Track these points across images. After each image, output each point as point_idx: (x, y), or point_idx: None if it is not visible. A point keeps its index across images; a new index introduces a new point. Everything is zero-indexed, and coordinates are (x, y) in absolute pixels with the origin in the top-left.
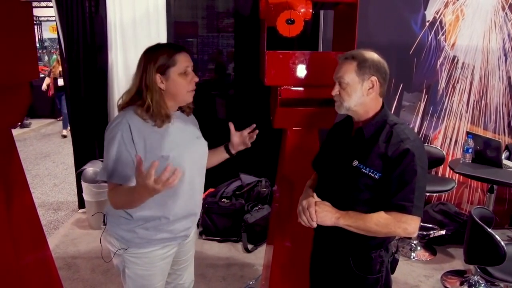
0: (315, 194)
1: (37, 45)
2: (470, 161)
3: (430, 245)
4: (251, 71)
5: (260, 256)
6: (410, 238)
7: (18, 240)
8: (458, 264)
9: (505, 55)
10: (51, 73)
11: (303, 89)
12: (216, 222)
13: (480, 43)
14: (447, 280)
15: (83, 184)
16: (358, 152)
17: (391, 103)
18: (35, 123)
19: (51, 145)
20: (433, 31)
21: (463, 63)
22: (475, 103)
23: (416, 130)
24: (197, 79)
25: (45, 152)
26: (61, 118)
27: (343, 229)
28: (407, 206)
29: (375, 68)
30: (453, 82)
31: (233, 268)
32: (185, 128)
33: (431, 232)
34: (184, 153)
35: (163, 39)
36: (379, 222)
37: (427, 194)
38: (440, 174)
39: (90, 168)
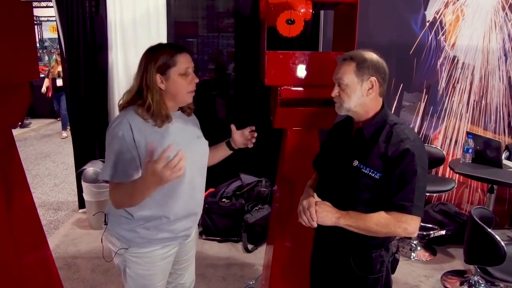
0: (315, 194)
1: (37, 45)
2: (470, 161)
3: (430, 245)
4: (251, 71)
5: (260, 256)
6: (410, 238)
7: (18, 240)
8: (458, 264)
9: (505, 55)
10: (50, 73)
11: (303, 89)
12: (216, 222)
13: (480, 43)
14: (447, 280)
15: (83, 184)
16: (358, 152)
17: (391, 103)
18: (35, 123)
19: (51, 145)
20: (433, 31)
21: (463, 63)
22: (475, 103)
23: (416, 130)
24: (197, 80)
25: (45, 152)
26: (60, 118)
27: (343, 229)
28: (407, 206)
29: (374, 69)
30: (453, 82)
31: (233, 268)
32: (186, 128)
33: (431, 232)
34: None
35: (163, 39)
36: (379, 222)
37: (427, 194)
38: (440, 174)
39: (90, 168)
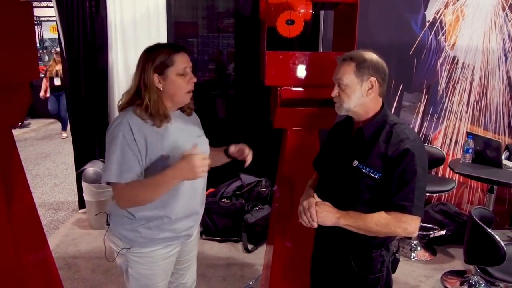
0: (315, 195)
1: (38, 45)
2: (470, 162)
3: (430, 245)
4: (252, 71)
5: (260, 256)
6: (410, 238)
7: (18, 240)
8: (458, 264)
9: (505, 55)
10: (48, 72)
11: (303, 89)
12: (216, 222)
13: (480, 43)
14: (447, 280)
15: (84, 184)
16: (358, 152)
17: (391, 103)
18: (35, 123)
19: (52, 145)
20: (433, 31)
21: (463, 63)
22: (475, 103)
23: (416, 131)
24: (195, 80)
25: (46, 152)
26: (56, 119)
27: (344, 229)
28: (407, 206)
29: (374, 69)
30: (453, 82)
31: (233, 268)
32: (186, 128)
33: (431, 232)
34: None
35: (163, 39)
36: (379, 222)
37: (427, 194)
38: (440, 174)
39: (91, 168)
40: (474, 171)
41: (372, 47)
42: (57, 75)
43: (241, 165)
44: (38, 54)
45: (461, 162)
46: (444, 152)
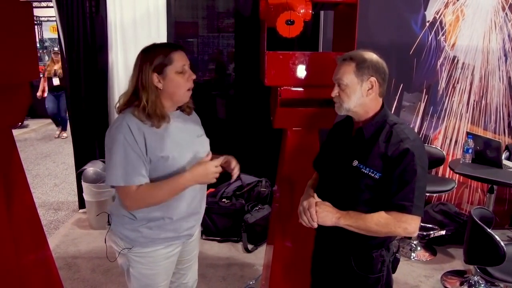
0: (315, 195)
1: (38, 45)
2: (470, 162)
3: (430, 245)
4: (252, 71)
5: (260, 256)
6: (410, 238)
7: (18, 240)
8: (458, 264)
9: (505, 55)
10: (46, 72)
11: (303, 89)
12: (216, 222)
13: (480, 43)
14: (447, 280)
15: (84, 184)
16: (358, 152)
17: (391, 103)
18: (36, 123)
19: (52, 145)
20: (433, 31)
21: (463, 63)
22: (475, 104)
23: (416, 131)
24: (194, 77)
25: (46, 152)
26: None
27: (344, 229)
28: (407, 206)
29: (374, 69)
30: (453, 82)
31: (233, 268)
32: (185, 128)
33: (431, 232)
34: (185, 153)
35: (163, 39)
36: (380, 222)
37: (427, 194)
38: (440, 174)
39: (91, 168)
40: (474, 171)
41: (372, 47)
42: (55, 74)
43: (241, 165)
44: (38, 54)
45: (461, 162)
46: (444, 152)
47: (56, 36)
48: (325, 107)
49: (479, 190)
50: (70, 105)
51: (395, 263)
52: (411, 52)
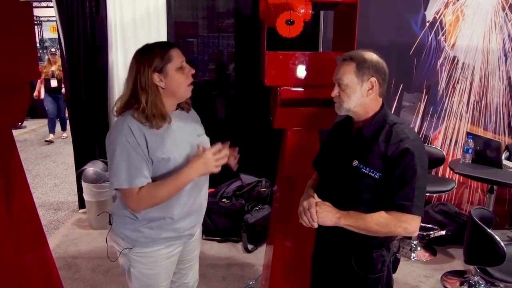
0: (315, 195)
1: (38, 45)
2: (470, 162)
3: (430, 245)
4: (252, 71)
5: (260, 256)
6: (410, 238)
7: (18, 240)
8: (458, 264)
9: (505, 55)
10: (42, 73)
11: (303, 89)
12: (216, 222)
13: (480, 43)
14: (447, 281)
15: (84, 184)
16: (358, 152)
17: (391, 104)
18: (36, 123)
19: (52, 145)
20: (433, 31)
21: (463, 63)
22: (475, 104)
23: (416, 131)
24: (193, 71)
25: (46, 152)
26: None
27: (344, 229)
28: (407, 206)
29: (374, 69)
30: (453, 82)
31: (233, 268)
32: (186, 127)
33: (431, 232)
34: (186, 153)
35: (163, 39)
36: (380, 222)
37: (427, 194)
38: (440, 174)
39: (91, 168)
40: (474, 171)
41: (372, 47)
42: (53, 76)
43: (241, 165)
44: (38, 54)
45: (461, 162)
46: (444, 152)
47: (56, 36)
48: (325, 107)
49: (479, 190)
50: (70, 105)
51: (395, 263)
52: (411, 52)
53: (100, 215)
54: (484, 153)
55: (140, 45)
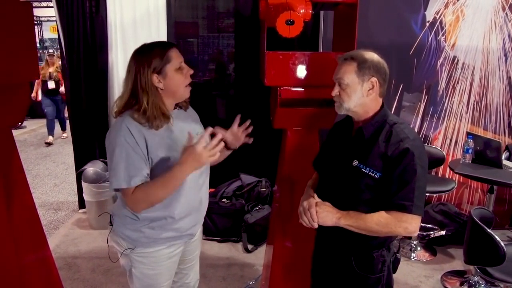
0: (315, 195)
1: (38, 45)
2: (470, 162)
3: (430, 245)
4: (252, 71)
5: (260, 256)
6: (410, 238)
7: (18, 240)
8: (458, 264)
9: (505, 55)
10: (40, 75)
11: (303, 89)
12: (216, 222)
13: (480, 43)
14: (447, 281)
15: (84, 184)
16: (358, 152)
17: (391, 104)
18: (35, 123)
19: (52, 145)
20: (433, 31)
21: (463, 63)
22: (475, 104)
23: (416, 131)
24: (192, 71)
25: (46, 152)
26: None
27: (344, 229)
28: (408, 206)
29: (375, 69)
30: (453, 82)
31: (233, 268)
32: (185, 127)
33: (431, 232)
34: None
35: (163, 39)
36: (380, 221)
37: (427, 194)
38: (440, 174)
39: (91, 168)
40: (474, 171)
41: (372, 47)
42: (50, 77)
43: (241, 165)
44: (38, 54)
45: (461, 162)
46: (444, 152)
47: (56, 36)
48: (325, 107)
49: (479, 190)
50: (70, 105)
51: (395, 263)
52: (411, 52)
53: (103, 215)
54: (484, 153)
55: (140, 45)
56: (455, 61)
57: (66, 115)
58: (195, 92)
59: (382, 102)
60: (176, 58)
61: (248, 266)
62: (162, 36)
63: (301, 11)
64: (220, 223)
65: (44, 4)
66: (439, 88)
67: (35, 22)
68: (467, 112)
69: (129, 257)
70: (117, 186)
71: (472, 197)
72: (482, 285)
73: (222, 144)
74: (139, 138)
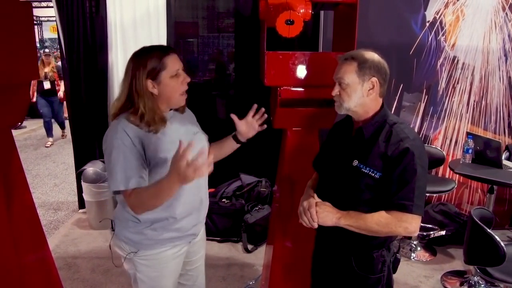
0: (315, 195)
1: (38, 45)
2: (470, 162)
3: (430, 245)
4: (252, 71)
5: (260, 256)
6: (410, 238)
7: (18, 240)
8: (458, 264)
9: (505, 55)
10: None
11: (303, 89)
12: (216, 222)
13: (480, 43)
14: (447, 281)
15: (83, 184)
16: (358, 152)
17: (391, 104)
18: (35, 123)
19: (52, 145)
20: (433, 31)
21: (463, 63)
22: (475, 104)
23: (416, 131)
24: (188, 79)
25: (46, 152)
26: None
27: (344, 229)
28: (408, 205)
29: (376, 69)
30: (453, 82)
31: (233, 268)
32: (181, 127)
33: (431, 232)
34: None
35: (163, 40)
36: (380, 221)
37: (427, 194)
38: (440, 174)
39: (90, 168)
40: (474, 171)
41: (372, 47)
42: (46, 77)
43: (241, 165)
44: (38, 54)
45: (461, 162)
46: (444, 152)
47: (56, 36)
48: (325, 107)
49: (479, 190)
50: (70, 105)
51: (395, 263)
52: (411, 52)
53: (100, 217)
54: (484, 153)
55: (140, 45)
56: (455, 61)
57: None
58: (195, 92)
59: (382, 102)
60: (172, 65)
61: (248, 266)
62: (162, 36)
63: (301, 11)
64: (220, 223)
65: (44, 4)
66: (439, 88)
67: (35, 22)
68: (467, 112)
69: (133, 261)
70: (115, 188)
71: (472, 197)
72: (482, 285)
73: (210, 160)
74: (135, 140)
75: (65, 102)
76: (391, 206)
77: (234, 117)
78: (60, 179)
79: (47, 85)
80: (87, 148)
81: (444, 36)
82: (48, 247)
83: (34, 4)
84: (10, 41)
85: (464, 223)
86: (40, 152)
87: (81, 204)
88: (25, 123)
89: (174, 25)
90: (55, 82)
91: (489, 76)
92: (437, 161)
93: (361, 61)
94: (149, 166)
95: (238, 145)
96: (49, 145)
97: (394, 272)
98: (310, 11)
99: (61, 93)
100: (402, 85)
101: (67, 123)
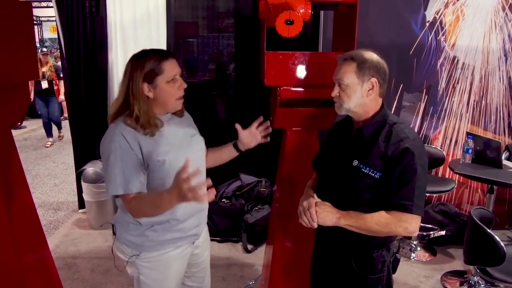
0: (315, 195)
1: (38, 45)
2: (470, 162)
3: (430, 245)
4: (252, 71)
5: (260, 256)
6: (410, 238)
7: (18, 240)
8: (458, 264)
9: (505, 55)
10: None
11: (303, 89)
12: (216, 222)
13: (480, 43)
14: (447, 281)
15: (83, 184)
16: (358, 152)
17: (391, 104)
18: (35, 123)
19: (52, 145)
20: (433, 31)
21: (463, 63)
22: (475, 104)
23: (416, 131)
24: (185, 86)
25: (46, 152)
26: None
27: (344, 229)
28: (408, 205)
29: (375, 69)
30: (453, 82)
31: (233, 268)
32: (178, 130)
33: (431, 232)
34: (180, 155)
35: (163, 40)
36: (380, 221)
37: (427, 194)
38: (440, 174)
39: (90, 168)
40: (474, 171)
41: (372, 47)
42: (43, 77)
43: (241, 165)
44: (38, 54)
45: (461, 162)
46: (444, 152)
47: (56, 36)
48: (325, 107)
49: (479, 190)
50: (70, 105)
51: (395, 263)
52: (411, 52)
53: (99, 217)
54: (484, 153)
55: (140, 45)
56: (455, 61)
57: (65, 115)
58: (195, 92)
59: (382, 102)
60: (170, 70)
61: (248, 266)
62: (162, 36)
63: (301, 11)
64: (220, 223)
65: (44, 4)
66: (439, 88)
67: (35, 22)
68: (467, 112)
69: (135, 264)
70: (113, 192)
71: (472, 197)
72: (482, 285)
73: (210, 195)
74: (133, 143)
75: (64, 102)
76: (391, 206)
77: (238, 126)
78: (60, 179)
79: (44, 84)
80: (87, 148)
81: (444, 36)
82: (48, 247)
83: (34, 4)
84: (10, 41)
85: (464, 223)
86: (40, 152)
87: (81, 204)
88: (25, 123)
89: (174, 25)
90: (53, 82)
91: (489, 76)
92: (437, 161)
93: (360, 61)
94: (148, 169)
95: (237, 154)
96: (49, 145)
97: (394, 272)
98: (310, 11)
99: (61, 97)
100: (402, 85)
101: (66, 123)
